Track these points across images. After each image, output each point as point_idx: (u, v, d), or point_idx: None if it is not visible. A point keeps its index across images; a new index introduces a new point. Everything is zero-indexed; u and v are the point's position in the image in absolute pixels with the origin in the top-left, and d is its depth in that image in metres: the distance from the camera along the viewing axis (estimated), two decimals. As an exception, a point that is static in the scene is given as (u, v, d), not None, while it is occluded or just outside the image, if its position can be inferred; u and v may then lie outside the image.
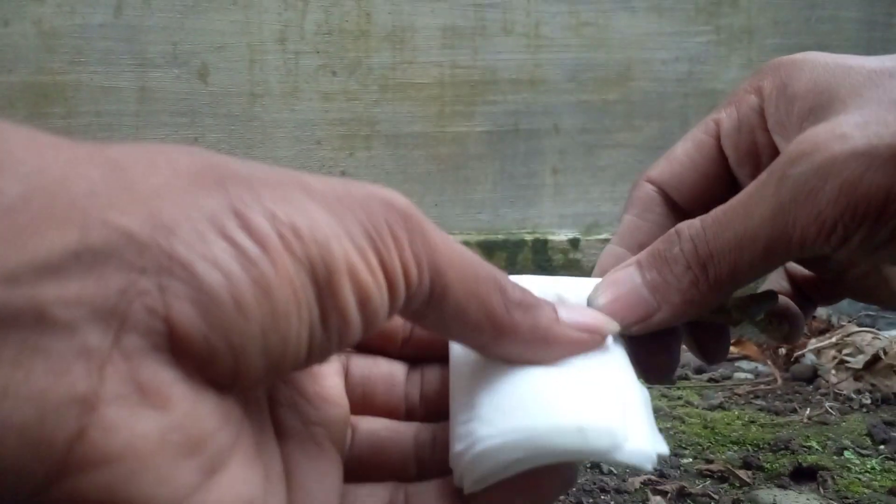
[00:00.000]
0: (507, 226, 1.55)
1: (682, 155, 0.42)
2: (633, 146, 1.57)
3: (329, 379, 0.33)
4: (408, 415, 0.35)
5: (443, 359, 0.35)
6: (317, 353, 0.24)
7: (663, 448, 0.29)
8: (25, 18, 1.38)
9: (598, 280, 0.37)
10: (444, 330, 0.29)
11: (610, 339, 0.33)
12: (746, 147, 0.38)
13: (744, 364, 1.25)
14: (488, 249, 1.50)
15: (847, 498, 0.79)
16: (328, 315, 0.23)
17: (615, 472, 0.85)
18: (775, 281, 0.46)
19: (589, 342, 0.31)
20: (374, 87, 1.49)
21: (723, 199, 0.36)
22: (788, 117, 0.35)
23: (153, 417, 0.20)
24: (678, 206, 0.41)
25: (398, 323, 0.36)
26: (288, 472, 0.27)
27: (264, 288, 0.21)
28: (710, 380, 1.17)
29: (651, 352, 0.38)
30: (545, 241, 1.51)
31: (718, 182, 0.40)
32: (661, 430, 0.94)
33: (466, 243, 1.52)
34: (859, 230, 0.30)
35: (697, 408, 1.05)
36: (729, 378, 1.19)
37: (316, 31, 1.46)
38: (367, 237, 0.24)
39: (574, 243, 1.52)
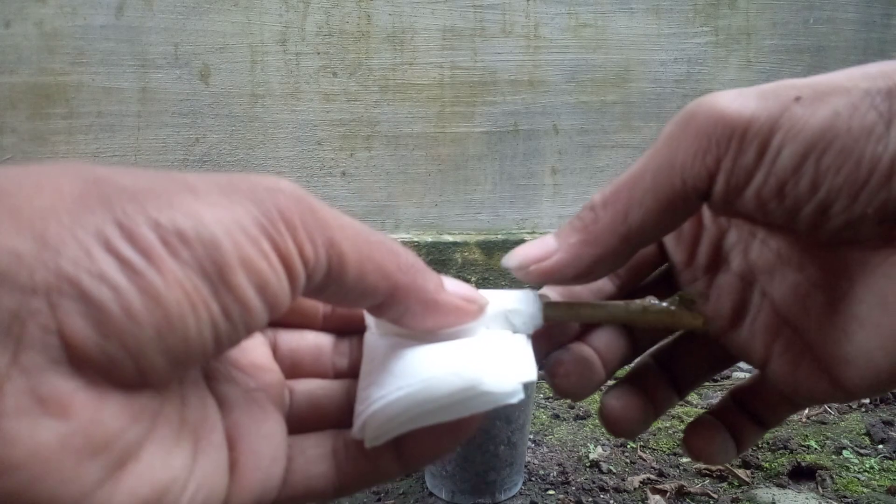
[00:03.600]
0: (507, 226, 1.56)
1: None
2: (631, 147, 1.57)
3: (257, 350, 0.35)
4: (337, 377, 0.37)
5: (363, 330, 0.38)
6: (225, 342, 0.25)
7: (529, 376, 0.33)
8: (27, 19, 1.38)
9: (489, 290, 0.38)
10: (346, 298, 0.30)
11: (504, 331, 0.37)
12: None
13: (743, 364, 1.26)
14: (488, 249, 1.50)
15: (846, 497, 0.79)
16: (228, 308, 0.24)
17: (614, 471, 0.86)
18: (719, 404, 0.46)
19: (468, 310, 0.34)
20: (374, 87, 1.49)
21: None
22: None
23: (53, 426, 0.21)
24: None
25: (313, 303, 0.38)
26: (233, 439, 0.29)
27: (153, 295, 0.22)
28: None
29: (557, 365, 0.40)
30: (544, 242, 1.51)
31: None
32: (659, 429, 0.94)
33: (466, 243, 1.52)
34: (728, 150, 0.32)
35: (696, 407, 1.06)
36: (728, 377, 1.19)
37: (317, 32, 1.46)
38: (257, 226, 0.25)
39: (573, 243, 1.52)
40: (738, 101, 0.32)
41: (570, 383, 0.40)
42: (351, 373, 0.37)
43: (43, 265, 0.21)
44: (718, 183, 0.33)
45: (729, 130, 0.32)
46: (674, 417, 1.01)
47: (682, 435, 0.91)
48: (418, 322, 0.32)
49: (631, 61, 1.55)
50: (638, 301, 0.39)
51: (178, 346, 0.23)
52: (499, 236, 1.52)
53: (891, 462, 0.88)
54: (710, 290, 0.42)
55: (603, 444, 0.93)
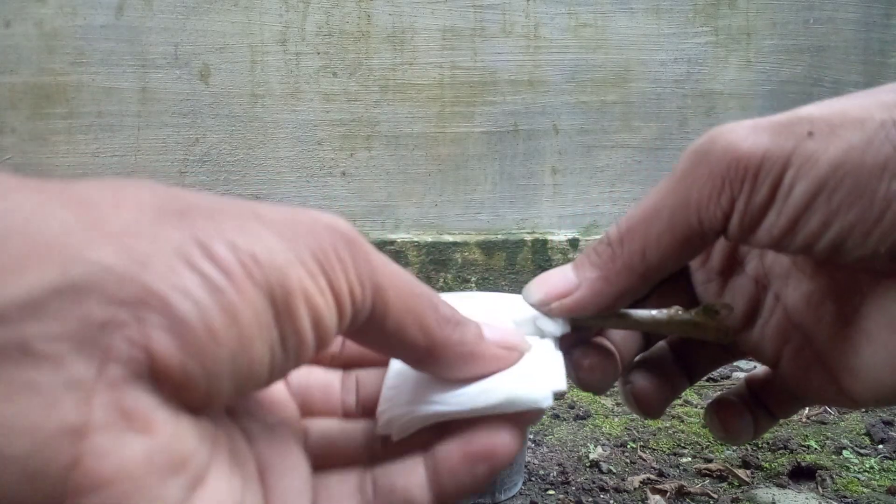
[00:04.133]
0: (507, 226, 1.56)
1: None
2: (631, 147, 1.58)
3: (274, 385, 0.34)
4: (345, 415, 0.37)
5: (371, 364, 0.38)
6: (276, 373, 0.25)
7: (560, 385, 0.33)
8: (27, 19, 1.38)
9: (516, 296, 0.38)
10: (383, 345, 0.30)
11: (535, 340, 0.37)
12: None
13: (742, 363, 1.26)
14: (488, 249, 1.50)
15: (846, 497, 0.79)
16: (286, 336, 0.24)
17: (614, 471, 0.86)
18: (735, 389, 0.47)
19: (508, 359, 0.33)
20: (374, 87, 1.49)
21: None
22: None
23: (140, 442, 0.21)
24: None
25: (342, 391, 0.38)
26: (261, 472, 0.29)
27: (231, 314, 0.22)
28: (708, 379, 1.18)
29: (582, 359, 0.40)
30: (544, 242, 1.52)
31: None
32: (659, 429, 0.94)
33: (466, 243, 1.53)
34: (742, 189, 0.32)
35: (696, 407, 1.06)
36: (728, 377, 1.19)
37: (317, 32, 1.46)
38: (316, 261, 0.25)
39: (573, 243, 1.52)
40: (751, 137, 0.32)
41: (594, 378, 0.41)
42: (360, 410, 0.37)
43: (131, 279, 0.21)
44: (733, 221, 0.33)
45: (742, 169, 0.32)
46: (674, 418, 1.01)
47: (681, 434, 0.90)
48: (455, 374, 0.32)
49: (631, 61, 1.56)
50: (664, 311, 0.39)
51: (244, 369, 0.23)
52: (499, 236, 1.52)
53: (891, 462, 0.88)
54: (723, 290, 0.42)
55: (603, 445, 0.93)
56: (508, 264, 1.51)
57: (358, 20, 1.47)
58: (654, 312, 0.39)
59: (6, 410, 0.19)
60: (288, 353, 0.25)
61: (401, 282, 0.29)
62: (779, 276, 0.40)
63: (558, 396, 0.33)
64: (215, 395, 0.23)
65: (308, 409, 0.36)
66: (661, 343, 0.46)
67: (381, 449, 0.34)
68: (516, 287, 1.46)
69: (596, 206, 1.57)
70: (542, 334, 0.37)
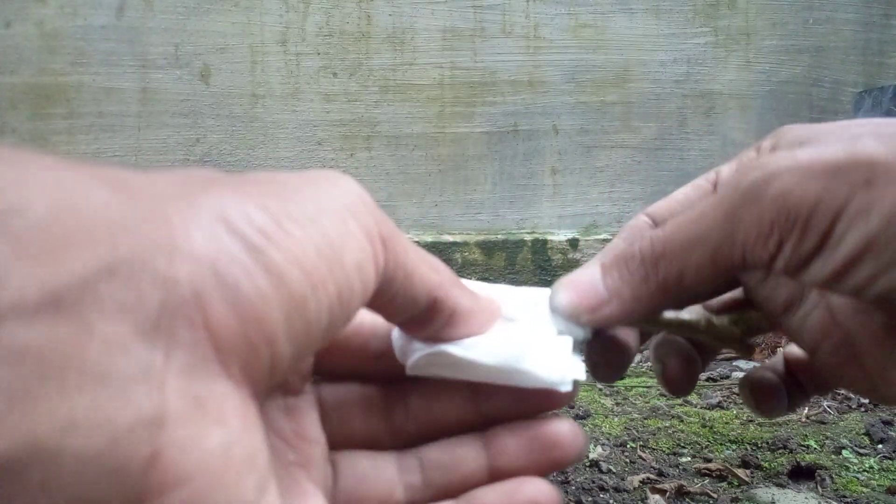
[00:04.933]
0: (507, 226, 1.56)
1: (680, 195, 0.42)
2: (631, 147, 1.58)
3: (304, 415, 0.32)
4: (393, 436, 0.34)
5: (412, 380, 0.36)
6: (332, 328, 0.24)
7: (580, 375, 0.33)
8: (28, 20, 1.38)
9: (541, 290, 0.38)
10: (392, 305, 0.29)
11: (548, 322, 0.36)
12: None
13: (742, 363, 1.26)
14: (488, 249, 1.51)
15: (845, 497, 0.79)
16: (341, 288, 0.24)
17: (614, 471, 0.86)
18: (772, 364, 0.47)
19: (494, 312, 0.34)
20: (374, 88, 1.49)
21: None
22: None
23: (217, 433, 0.20)
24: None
25: (364, 339, 0.36)
26: None
27: (277, 274, 0.21)
28: (708, 379, 1.18)
29: (599, 352, 0.40)
30: (544, 242, 1.52)
31: None
32: (659, 429, 0.94)
33: (466, 243, 1.53)
34: (791, 235, 0.32)
35: (696, 407, 1.06)
36: (727, 377, 1.19)
37: (317, 32, 1.47)
38: (345, 209, 0.25)
39: (573, 243, 1.52)
40: (804, 183, 0.31)
41: (612, 370, 0.40)
42: (411, 429, 0.34)
43: (178, 251, 0.20)
44: (778, 263, 0.33)
45: (793, 216, 0.31)
46: (673, 417, 1.01)
47: (681, 434, 0.90)
48: (456, 332, 0.32)
49: (630, 62, 1.56)
50: (695, 314, 0.39)
51: (301, 330, 0.22)
52: (499, 236, 1.53)
53: (890, 462, 0.89)
54: (766, 280, 0.41)
55: (602, 444, 0.93)
56: (508, 264, 1.51)
57: (358, 21, 1.47)
58: (684, 316, 0.39)
59: (78, 403, 0.17)
60: (343, 307, 0.24)
61: (404, 239, 0.29)
62: None
63: (577, 386, 0.33)
64: (277, 363, 0.22)
65: (347, 427, 0.34)
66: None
67: (418, 485, 0.33)
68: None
69: (595, 206, 1.57)
70: (561, 331, 0.36)
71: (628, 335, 0.41)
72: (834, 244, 0.31)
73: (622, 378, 0.42)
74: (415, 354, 0.32)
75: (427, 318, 0.31)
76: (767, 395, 0.45)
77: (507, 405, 0.33)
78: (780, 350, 1.13)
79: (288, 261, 0.22)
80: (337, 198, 0.25)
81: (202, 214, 0.21)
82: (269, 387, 0.23)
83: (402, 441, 0.34)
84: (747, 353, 0.40)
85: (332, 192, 0.25)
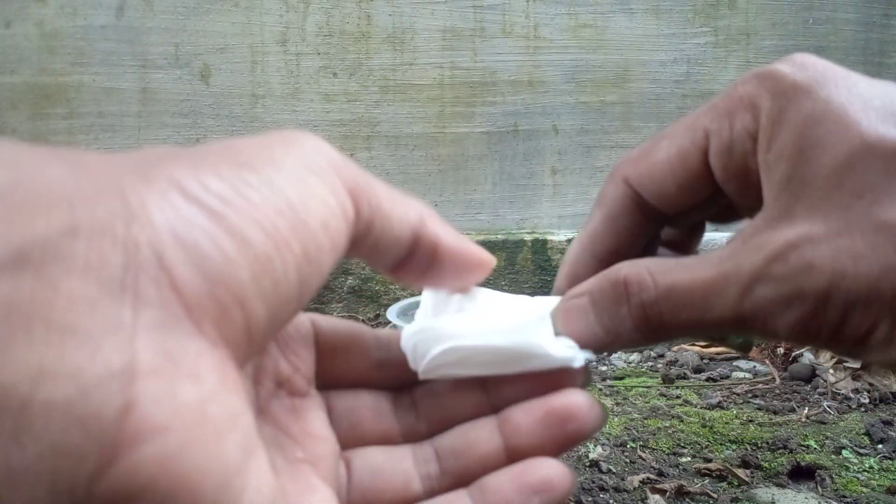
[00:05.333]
0: (507, 226, 1.56)
1: (664, 161, 0.37)
2: (631, 147, 1.57)
3: (311, 414, 0.32)
4: (405, 437, 0.34)
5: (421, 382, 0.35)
6: (305, 290, 0.24)
7: (590, 355, 0.33)
8: (28, 20, 1.38)
9: (549, 299, 0.37)
10: (376, 250, 0.30)
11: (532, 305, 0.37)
12: (736, 168, 0.34)
13: (742, 363, 1.26)
14: (488, 249, 1.50)
15: (845, 497, 0.79)
16: (307, 246, 0.24)
17: (614, 470, 0.86)
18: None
19: (491, 259, 0.35)
20: (374, 88, 1.49)
21: (703, 208, 0.36)
22: (771, 167, 0.32)
23: (191, 387, 0.20)
24: (653, 208, 0.38)
25: (364, 348, 0.35)
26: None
27: (239, 236, 0.22)
28: (708, 379, 1.18)
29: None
30: (544, 241, 1.52)
31: (701, 193, 0.36)
32: (659, 429, 0.94)
33: (466, 243, 1.52)
34: (805, 346, 0.30)
35: (696, 407, 1.06)
36: (727, 377, 1.19)
37: (317, 32, 1.47)
38: (306, 168, 0.25)
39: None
40: (826, 310, 0.29)
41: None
42: (423, 429, 0.34)
43: (135, 217, 0.20)
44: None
45: (815, 342, 0.30)
46: (673, 417, 1.01)
47: (681, 434, 0.90)
48: (447, 270, 0.32)
49: (630, 62, 1.56)
50: None
51: (271, 289, 0.23)
52: (499, 236, 1.52)
53: (890, 462, 0.89)
54: None
55: (602, 444, 0.93)
56: (508, 264, 1.51)
57: (358, 21, 1.47)
58: None
59: (47, 354, 0.18)
60: (312, 266, 0.24)
61: (377, 182, 0.29)
62: None
63: (589, 362, 0.33)
64: (253, 325, 0.22)
65: (358, 431, 0.33)
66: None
67: (434, 475, 0.32)
68: (516, 287, 1.46)
69: (596, 207, 1.57)
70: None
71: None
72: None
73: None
74: (427, 357, 0.32)
75: (414, 257, 0.31)
76: None
77: (518, 394, 0.32)
78: (779, 350, 1.12)
79: (249, 223, 0.22)
80: (296, 158, 0.25)
81: (156, 185, 0.21)
82: (250, 351, 0.23)
83: (415, 440, 0.34)
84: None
85: (290, 152, 0.25)
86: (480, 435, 0.32)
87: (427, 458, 0.33)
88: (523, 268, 1.51)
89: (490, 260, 0.35)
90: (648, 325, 0.32)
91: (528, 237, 1.53)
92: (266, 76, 1.46)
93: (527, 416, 0.32)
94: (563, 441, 0.31)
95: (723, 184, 0.35)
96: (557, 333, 0.35)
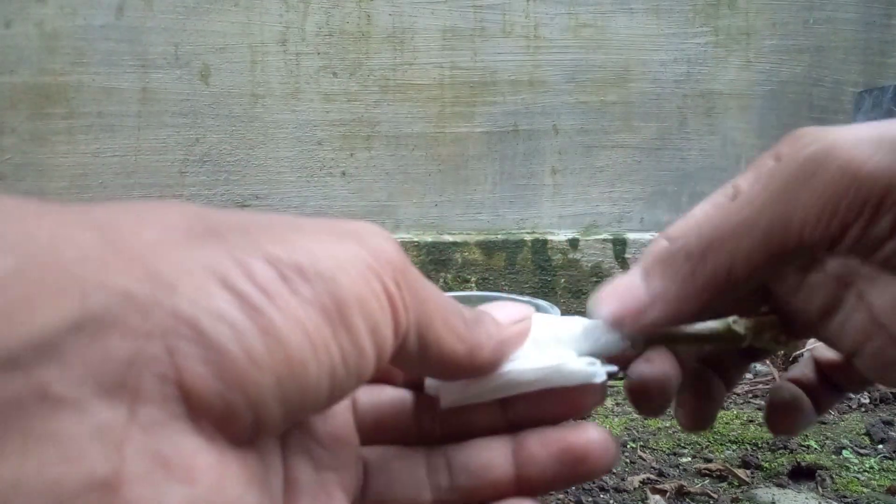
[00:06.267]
0: (507, 226, 1.56)
1: (699, 213, 0.38)
2: (631, 147, 1.58)
3: (340, 416, 0.32)
4: (421, 437, 0.34)
5: None
6: (337, 393, 0.23)
7: (611, 367, 0.33)
8: (27, 20, 1.38)
9: (568, 319, 0.37)
10: (425, 361, 0.28)
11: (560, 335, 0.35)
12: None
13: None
14: (488, 249, 1.51)
15: (845, 497, 0.79)
16: (347, 352, 0.22)
17: (614, 471, 0.86)
18: (800, 370, 0.44)
19: (525, 327, 0.32)
20: (374, 88, 1.49)
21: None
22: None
23: (180, 492, 0.19)
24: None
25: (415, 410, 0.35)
26: None
27: (274, 336, 0.20)
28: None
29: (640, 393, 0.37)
30: (544, 241, 1.52)
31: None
32: (659, 429, 0.93)
33: (466, 243, 1.53)
34: (860, 216, 0.29)
35: (696, 407, 1.06)
36: (727, 378, 1.19)
37: (317, 32, 1.47)
38: (366, 266, 0.23)
39: (573, 243, 1.52)
40: (874, 158, 0.28)
41: (657, 407, 0.38)
42: (437, 431, 0.34)
43: (157, 306, 0.19)
44: (844, 246, 0.30)
45: (863, 195, 0.28)
46: (673, 418, 1.01)
47: (681, 434, 0.90)
48: (492, 368, 0.31)
49: (631, 61, 1.56)
50: (721, 321, 0.36)
51: (296, 394, 0.21)
52: (499, 236, 1.52)
53: (890, 462, 0.89)
54: (801, 286, 0.37)
55: (603, 444, 0.93)
56: (508, 264, 1.51)
57: (358, 20, 1.47)
58: (711, 324, 0.36)
59: (24, 466, 0.17)
60: (350, 371, 0.22)
61: (437, 292, 0.27)
62: (865, 276, 0.35)
63: (610, 376, 0.33)
64: (264, 425, 0.21)
65: (380, 428, 0.33)
66: (690, 361, 0.42)
67: (444, 486, 0.32)
68: (516, 287, 1.46)
69: (596, 206, 1.57)
70: (592, 350, 0.35)
71: (665, 367, 0.38)
72: None
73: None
74: (450, 395, 0.32)
75: (462, 366, 0.30)
76: (792, 419, 0.42)
77: (536, 410, 0.32)
78: (779, 351, 1.12)
79: (289, 322, 0.21)
80: (360, 253, 0.23)
81: (196, 267, 0.20)
82: (257, 438, 0.22)
83: (430, 442, 0.34)
84: (779, 347, 0.38)
85: (356, 245, 0.24)
86: (494, 457, 0.32)
87: (440, 468, 0.32)
88: (523, 268, 1.51)
89: (527, 327, 0.33)
90: (699, 247, 0.33)
91: (528, 237, 1.52)
92: (266, 76, 1.46)
93: (543, 448, 0.31)
94: (573, 479, 0.31)
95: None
96: (592, 351, 0.34)
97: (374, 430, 0.33)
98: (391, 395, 0.34)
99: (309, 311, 0.21)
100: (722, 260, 0.32)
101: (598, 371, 0.32)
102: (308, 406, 0.22)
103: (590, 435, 0.31)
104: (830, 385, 0.43)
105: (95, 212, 0.20)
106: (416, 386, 0.35)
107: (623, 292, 0.34)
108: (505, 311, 0.33)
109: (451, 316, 0.28)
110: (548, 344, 0.33)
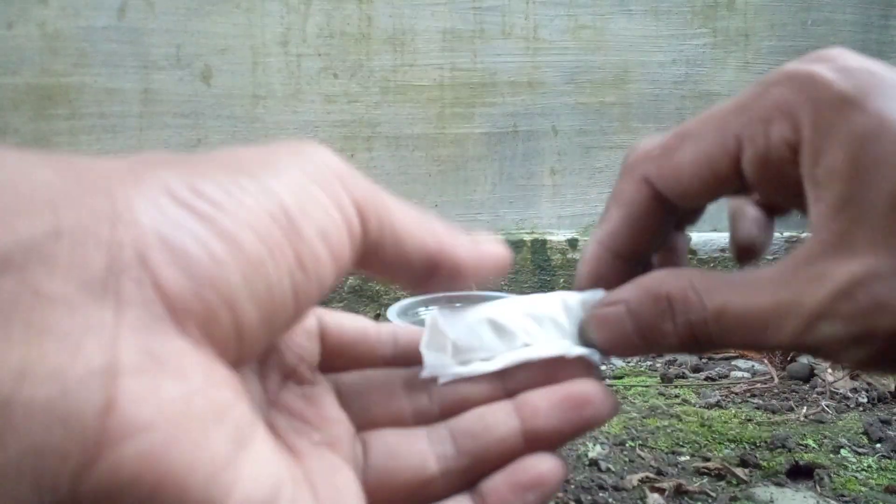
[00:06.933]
0: (507, 226, 1.56)
1: (690, 163, 0.35)
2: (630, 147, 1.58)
3: (324, 399, 0.33)
4: (417, 419, 0.34)
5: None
6: (303, 298, 0.24)
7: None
8: (30, 21, 1.38)
9: (562, 294, 0.37)
10: (396, 259, 0.29)
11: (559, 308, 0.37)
12: (773, 176, 0.32)
13: (740, 363, 1.27)
14: (488, 250, 1.51)
15: (843, 496, 0.80)
16: (302, 254, 0.24)
17: (613, 469, 0.86)
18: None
19: (506, 253, 0.35)
20: (374, 89, 1.50)
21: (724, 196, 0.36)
22: (822, 185, 0.30)
23: (175, 385, 0.20)
24: (674, 204, 0.37)
25: (371, 346, 0.36)
26: (309, 482, 0.27)
27: (231, 239, 0.22)
28: (707, 378, 1.19)
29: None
30: (544, 242, 1.53)
31: (728, 191, 0.36)
32: (658, 427, 0.94)
33: (466, 244, 1.53)
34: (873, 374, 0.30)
35: (695, 406, 1.06)
36: (726, 377, 1.20)
37: (318, 34, 1.47)
38: (311, 179, 0.25)
39: (572, 244, 1.53)
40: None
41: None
42: (435, 412, 0.34)
43: (121, 220, 0.20)
44: None
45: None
46: (672, 416, 1.02)
47: (680, 433, 0.91)
48: (470, 275, 0.32)
49: (629, 63, 1.56)
50: None
51: (264, 294, 0.23)
52: (498, 236, 1.53)
53: (889, 461, 0.89)
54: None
55: (602, 443, 0.93)
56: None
57: (359, 22, 1.48)
58: None
59: (27, 354, 0.18)
60: (308, 274, 0.24)
61: (395, 198, 0.29)
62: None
63: (604, 362, 0.35)
64: (245, 327, 0.22)
65: (369, 413, 0.34)
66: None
67: (450, 456, 0.33)
68: (515, 287, 1.47)
69: (595, 207, 1.58)
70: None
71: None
72: None
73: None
74: (447, 377, 0.33)
75: (429, 275, 0.31)
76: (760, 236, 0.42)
77: (533, 379, 0.33)
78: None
79: (241, 226, 0.22)
80: (299, 167, 0.25)
81: (145, 188, 0.21)
82: (244, 352, 0.23)
83: (428, 423, 0.34)
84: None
85: (294, 161, 0.25)
86: (497, 417, 0.32)
87: (442, 439, 0.33)
88: (523, 268, 1.51)
89: (506, 257, 0.35)
90: (696, 342, 0.32)
91: (527, 237, 1.53)
92: (267, 77, 1.46)
93: (544, 400, 0.32)
94: (579, 425, 0.32)
95: (756, 187, 0.34)
96: (584, 336, 0.35)
97: (365, 414, 0.34)
98: (378, 378, 0.35)
99: (258, 217, 0.23)
100: (716, 346, 0.32)
101: (594, 350, 0.34)
102: (279, 309, 0.23)
103: (587, 385, 0.33)
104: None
105: (49, 156, 0.22)
106: (405, 362, 0.36)
107: (619, 341, 0.35)
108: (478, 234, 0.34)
109: (420, 217, 0.29)
110: (543, 320, 0.35)
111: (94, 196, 0.21)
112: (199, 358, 0.21)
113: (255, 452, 0.22)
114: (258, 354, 0.25)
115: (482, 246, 0.33)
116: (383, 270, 0.30)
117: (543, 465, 0.32)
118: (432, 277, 0.31)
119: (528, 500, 0.31)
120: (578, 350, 0.34)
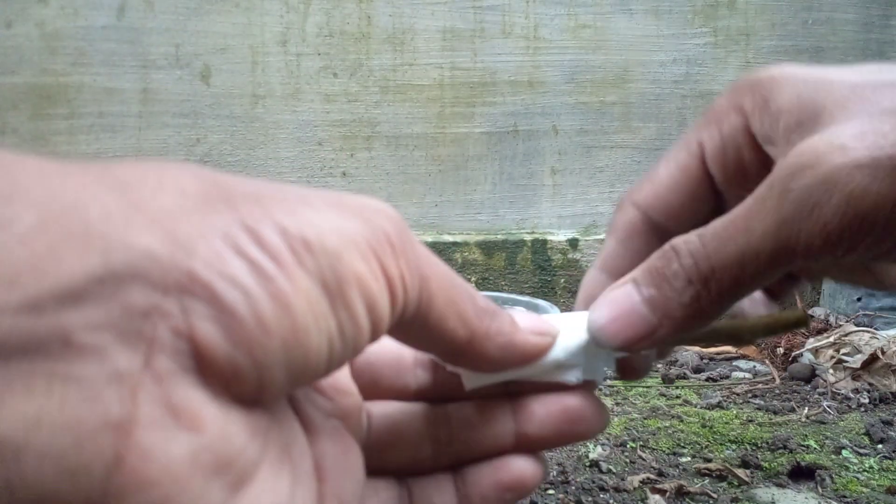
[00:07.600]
0: (507, 226, 1.56)
1: (665, 178, 0.39)
2: (630, 147, 1.58)
3: (338, 371, 0.33)
4: (418, 395, 0.35)
5: None
6: (335, 363, 0.24)
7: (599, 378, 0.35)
8: (29, 20, 1.38)
9: (585, 312, 0.37)
10: (423, 339, 0.29)
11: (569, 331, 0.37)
12: (734, 166, 0.36)
13: (742, 363, 1.26)
14: (488, 249, 1.51)
15: (845, 497, 0.80)
16: (343, 324, 0.23)
17: (614, 470, 0.86)
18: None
19: (542, 345, 0.33)
20: (374, 88, 1.50)
21: (709, 220, 0.35)
22: (775, 132, 0.34)
23: (186, 440, 0.20)
24: (662, 228, 0.39)
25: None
26: (321, 470, 0.27)
27: (283, 303, 0.21)
28: (708, 379, 1.18)
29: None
30: (544, 242, 1.52)
31: (705, 203, 0.38)
32: (659, 429, 0.94)
33: (466, 243, 1.53)
34: (865, 240, 0.30)
35: (696, 407, 1.06)
36: (727, 377, 1.20)
37: (317, 33, 1.47)
38: (367, 244, 0.24)
39: (573, 243, 1.53)
40: (875, 186, 0.29)
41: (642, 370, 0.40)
42: (435, 390, 0.35)
43: (175, 266, 0.20)
44: (849, 258, 0.31)
45: (868, 225, 0.29)
46: (673, 417, 1.01)
47: (681, 434, 0.90)
48: (493, 365, 0.32)
49: (630, 62, 1.56)
50: (727, 322, 0.37)
51: (299, 360, 0.22)
52: (498, 236, 1.53)
53: (890, 462, 0.89)
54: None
55: (602, 444, 0.93)
56: (508, 264, 1.51)
57: (358, 21, 1.47)
58: (719, 326, 0.37)
59: (46, 405, 0.18)
60: (346, 342, 0.24)
61: (442, 272, 0.28)
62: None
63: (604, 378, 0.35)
64: (268, 387, 0.22)
65: (376, 385, 0.35)
66: None
67: (444, 438, 0.34)
68: (515, 287, 1.47)
69: (595, 207, 1.58)
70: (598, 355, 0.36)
71: None
72: None
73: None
74: (477, 382, 0.34)
75: (454, 360, 0.31)
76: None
77: (535, 385, 0.34)
78: (779, 350, 1.13)
79: (296, 290, 0.22)
80: (363, 231, 0.24)
81: (211, 232, 0.21)
82: (264, 401, 0.23)
83: (431, 397, 0.35)
84: (804, 318, 0.39)
85: (359, 223, 0.25)
86: (496, 413, 0.34)
87: (440, 420, 0.34)
88: (523, 268, 1.51)
89: (540, 349, 0.34)
90: (700, 274, 0.33)
91: (527, 237, 1.53)
92: (266, 77, 1.46)
93: (542, 407, 0.34)
94: (569, 438, 0.34)
95: (723, 187, 0.37)
96: (592, 326, 0.35)
97: (371, 386, 0.34)
98: (391, 352, 0.35)
99: (312, 283, 0.22)
100: (727, 283, 0.33)
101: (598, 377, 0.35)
102: (309, 373, 0.23)
103: (583, 401, 0.34)
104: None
105: (116, 172, 0.21)
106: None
107: (626, 314, 0.34)
108: (530, 320, 0.33)
109: (459, 299, 0.29)
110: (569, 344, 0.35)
111: (152, 233, 0.20)
112: (217, 409, 0.21)
113: (255, 487, 0.22)
114: (278, 400, 0.25)
115: (516, 337, 0.32)
116: (407, 342, 0.30)
117: (527, 469, 0.33)
118: (458, 361, 0.32)
119: (506, 498, 0.33)
120: (577, 377, 0.34)
